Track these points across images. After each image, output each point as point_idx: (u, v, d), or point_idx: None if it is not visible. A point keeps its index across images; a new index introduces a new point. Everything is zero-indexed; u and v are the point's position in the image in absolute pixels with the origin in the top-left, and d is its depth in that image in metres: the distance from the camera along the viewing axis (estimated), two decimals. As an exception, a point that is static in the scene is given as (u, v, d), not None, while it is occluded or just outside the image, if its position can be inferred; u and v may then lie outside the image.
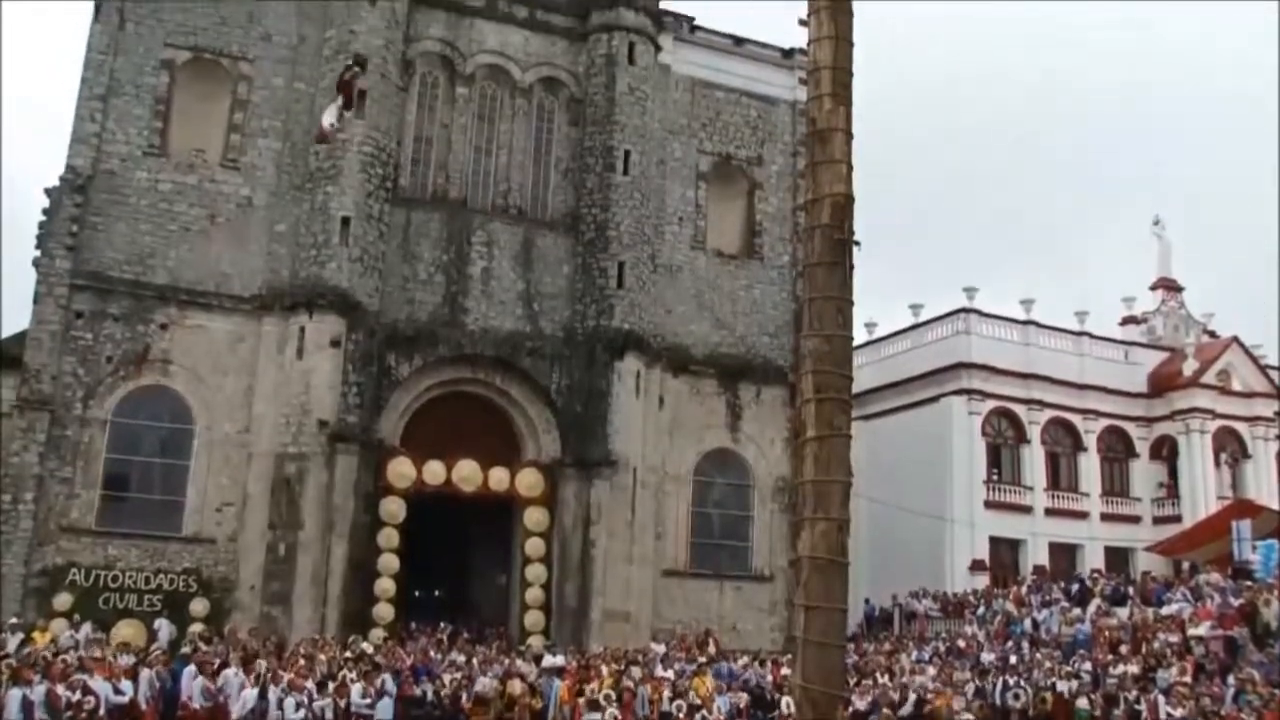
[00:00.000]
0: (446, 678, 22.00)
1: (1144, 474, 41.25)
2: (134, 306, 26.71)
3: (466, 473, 28.73)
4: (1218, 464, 40.49)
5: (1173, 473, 40.87)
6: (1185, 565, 33.46)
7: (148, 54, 27.99)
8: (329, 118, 21.80)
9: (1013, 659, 24.84)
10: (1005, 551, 38.17)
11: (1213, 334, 44.27)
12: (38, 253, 26.12)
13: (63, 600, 24.76)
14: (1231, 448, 41.31)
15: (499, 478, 29.11)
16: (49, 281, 25.96)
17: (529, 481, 29.42)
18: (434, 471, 28.34)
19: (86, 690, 17.14)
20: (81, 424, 25.87)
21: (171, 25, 28.32)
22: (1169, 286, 45.32)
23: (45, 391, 25.53)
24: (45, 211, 26.30)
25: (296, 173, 28.56)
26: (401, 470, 27.95)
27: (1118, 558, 38.94)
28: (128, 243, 26.98)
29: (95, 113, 27.17)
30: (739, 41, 34.25)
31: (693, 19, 33.56)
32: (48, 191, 26.39)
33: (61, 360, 25.86)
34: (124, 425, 26.36)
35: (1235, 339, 42.74)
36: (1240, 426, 41.36)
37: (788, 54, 33.52)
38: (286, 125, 28.85)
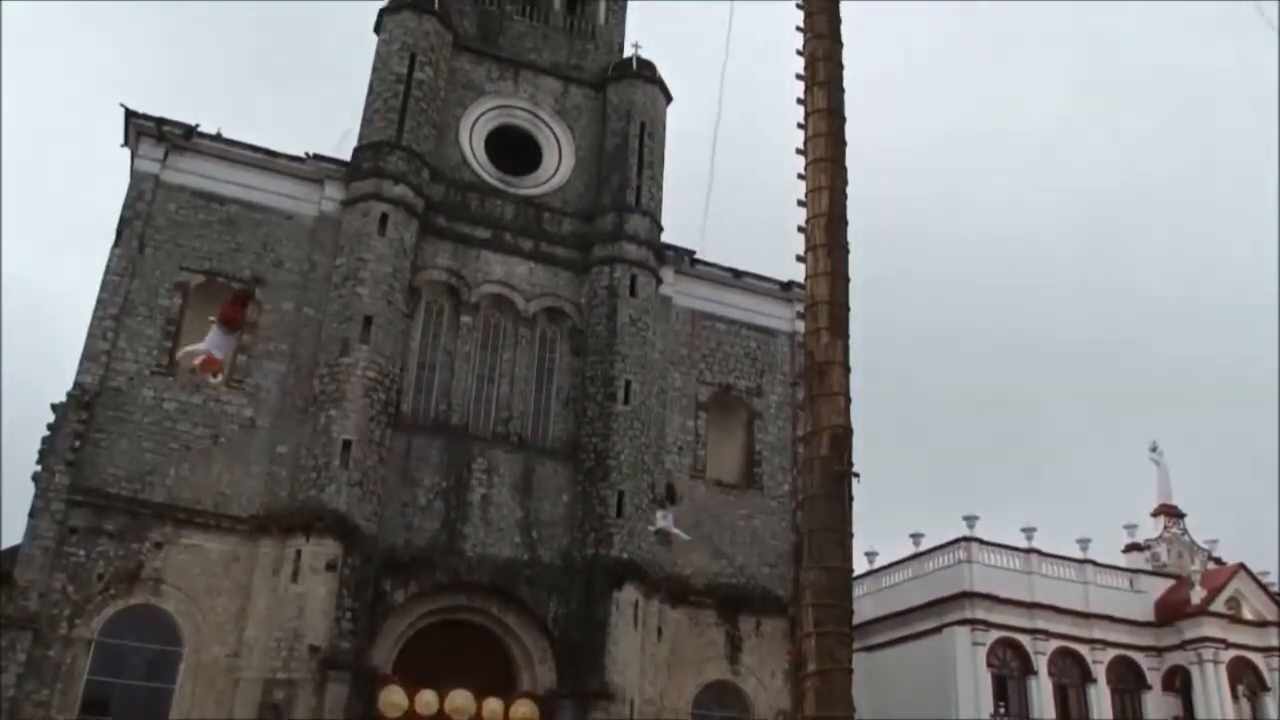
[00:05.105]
0: None
1: (1158, 706, 39.83)
2: (130, 524, 26.53)
3: (460, 703, 27.88)
4: (1235, 696, 39.27)
5: (1188, 705, 39.51)
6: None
7: (163, 277, 28.91)
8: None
9: None
10: (1016, 790, 36.76)
11: (1218, 561, 43.75)
12: (38, 467, 26.14)
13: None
14: (1249, 679, 40.06)
15: (493, 709, 28.24)
16: (47, 496, 25.87)
17: (524, 713, 28.50)
18: (427, 701, 27.52)
19: None
20: (65, 644, 25.24)
21: (188, 249, 29.34)
22: (1170, 513, 45.08)
23: (31, 609, 25.02)
24: (49, 427, 26.45)
25: (300, 395, 28.90)
26: (394, 699, 27.16)
27: (1136, 797, 37.54)
28: (129, 460, 27.07)
29: (108, 331, 27.78)
30: (738, 274, 35.21)
31: (693, 252, 34.52)
32: (54, 407, 26.62)
33: (52, 577, 25.49)
34: (110, 645, 25.74)
35: (1242, 566, 42.12)
36: (1255, 657, 40.23)
37: (786, 286, 34.36)
38: (293, 348, 29.40)
